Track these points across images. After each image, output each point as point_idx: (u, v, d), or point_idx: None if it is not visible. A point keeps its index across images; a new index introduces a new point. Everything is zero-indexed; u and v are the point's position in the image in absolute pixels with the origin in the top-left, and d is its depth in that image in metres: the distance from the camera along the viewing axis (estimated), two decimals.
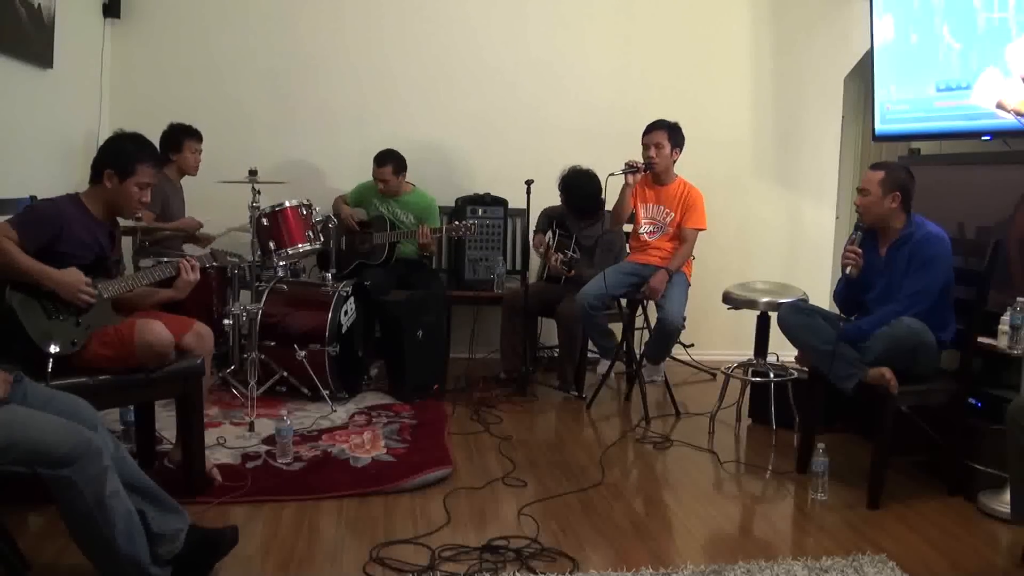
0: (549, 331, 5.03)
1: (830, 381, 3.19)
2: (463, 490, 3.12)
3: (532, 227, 4.77)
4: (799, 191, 5.60)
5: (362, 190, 5.00)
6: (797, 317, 3.33)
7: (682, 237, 4.28)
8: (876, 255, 3.29)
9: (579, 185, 4.53)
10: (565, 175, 4.58)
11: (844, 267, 3.28)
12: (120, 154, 2.77)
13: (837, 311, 3.51)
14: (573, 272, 4.48)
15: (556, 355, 4.88)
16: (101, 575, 2.17)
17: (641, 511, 3.04)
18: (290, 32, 5.14)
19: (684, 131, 4.30)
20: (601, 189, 4.45)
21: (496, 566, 2.52)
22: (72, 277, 2.63)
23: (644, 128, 4.29)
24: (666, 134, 4.23)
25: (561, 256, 4.52)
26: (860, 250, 3.25)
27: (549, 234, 4.65)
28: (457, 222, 4.73)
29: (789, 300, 3.68)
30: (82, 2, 4.65)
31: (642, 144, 4.28)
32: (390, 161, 4.76)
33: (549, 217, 4.73)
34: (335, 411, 3.91)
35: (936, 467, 3.34)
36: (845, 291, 3.40)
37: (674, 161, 4.30)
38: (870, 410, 3.22)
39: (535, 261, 5.14)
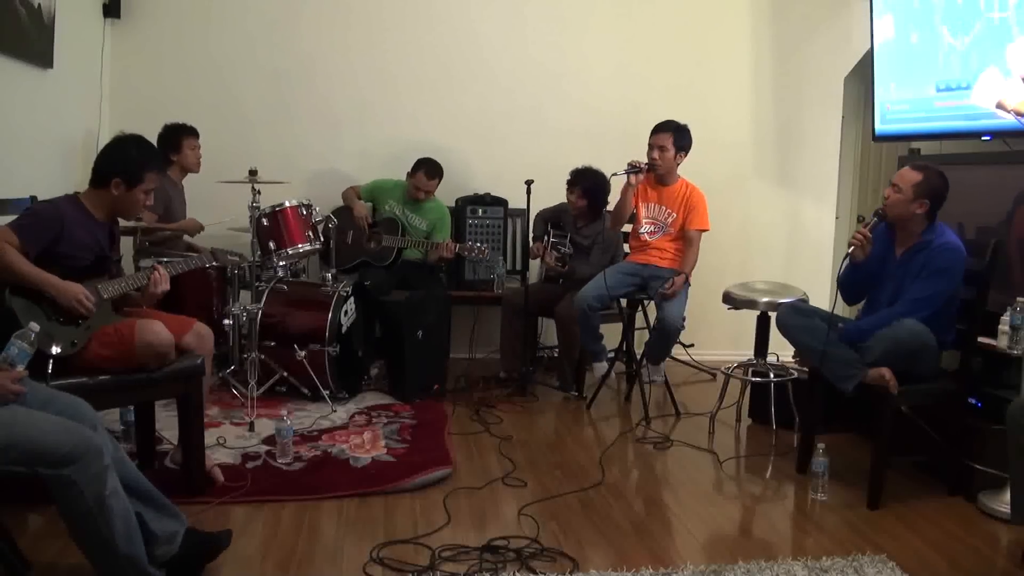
0: (549, 331, 5.03)
1: (830, 381, 3.19)
2: (463, 490, 3.12)
3: (532, 227, 4.77)
4: (799, 191, 5.60)
5: (380, 187, 4.98)
6: (795, 318, 3.33)
7: (686, 239, 4.26)
8: (891, 252, 3.26)
9: (594, 173, 4.54)
10: (576, 169, 4.60)
11: (849, 246, 3.23)
12: (128, 162, 2.77)
13: (836, 311, 3.50)
14: (567, 267, 4.48)
15: (556, 355, 4.88)
16: (100, 574, 2.17)
17: (641, 511, 3.04)
18: (290, 32, 5.14)
19: None
20: (609, 190, 4.46)
21: (496, 566, 2.52)
22: (72, 285, 2.63)
23: (652, 127, 4.26)
24: (671, 137, 4.20)
25: (555, 253, 4.53)
26: (870, 235, 3.20)
27: (546, 238, 4.66)
28: (470, 243, 4.73)
29: (789, 300, 3.68)
30: (82, 2, 4.64)
31: (648, 144, 4.27)
32: (439, 175, 4.83)
33: (544, 220, 4.74)
34: (335, 411, 3.91)
35: (936, 467, 3.34)
36: (850, 276, 3.34)
37: (678, 164, 4.29)
38: (870, 410, 3.22)
39: (535, 261, 5.14)
